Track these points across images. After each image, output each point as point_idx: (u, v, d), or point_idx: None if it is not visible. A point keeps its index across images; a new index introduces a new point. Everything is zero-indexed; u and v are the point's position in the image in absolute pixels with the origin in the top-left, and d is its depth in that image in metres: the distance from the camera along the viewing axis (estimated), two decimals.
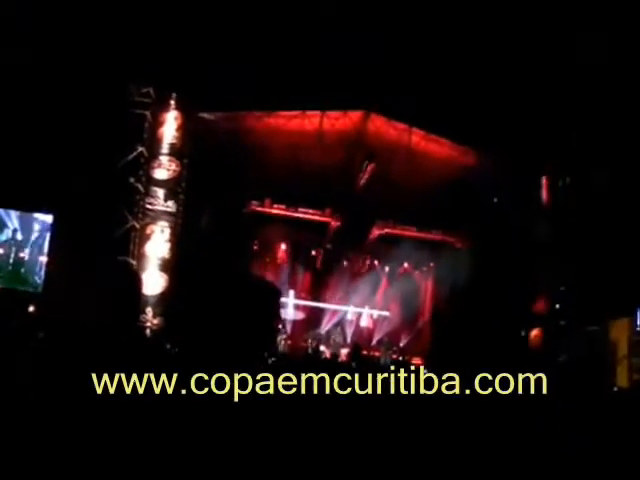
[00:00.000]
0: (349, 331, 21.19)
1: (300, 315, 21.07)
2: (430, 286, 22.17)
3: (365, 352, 19.68)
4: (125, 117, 15.95)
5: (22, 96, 14.40)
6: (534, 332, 19.10)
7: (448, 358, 17.66)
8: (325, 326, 20.97)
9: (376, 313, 21.71)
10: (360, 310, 21.44)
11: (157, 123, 16.77)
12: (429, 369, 17.32)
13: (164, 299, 16.48)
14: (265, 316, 3.18)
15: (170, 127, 16.81)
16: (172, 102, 16.75)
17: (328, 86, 16.34)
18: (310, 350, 19.84)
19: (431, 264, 21.85)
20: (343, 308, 21.31)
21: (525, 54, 16.10)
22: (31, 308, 15.83)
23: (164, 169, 16.79)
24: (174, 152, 16.83)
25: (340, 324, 21.10)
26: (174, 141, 16.81)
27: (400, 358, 20.38)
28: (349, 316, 21.38)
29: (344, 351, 20.05)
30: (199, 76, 15.51)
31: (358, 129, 18.49)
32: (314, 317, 21.16)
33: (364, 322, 21.45)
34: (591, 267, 17.34)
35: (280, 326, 17.90)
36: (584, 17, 14.79)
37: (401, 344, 21.52)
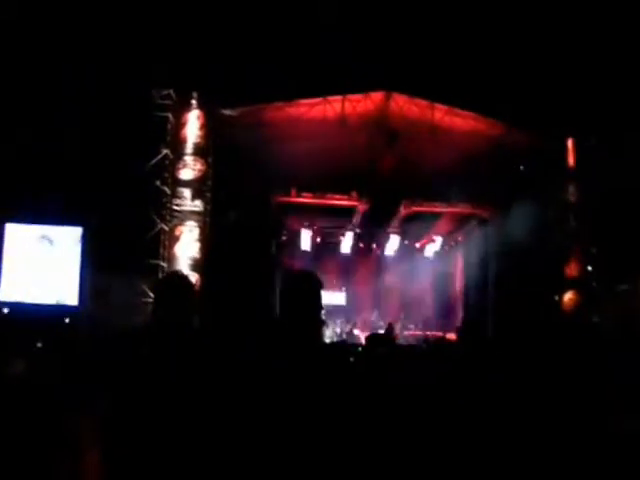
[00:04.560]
0: (383, 312, 21.10)
1: (335, 301, 21.02)
2: (461, 259, 22.05)
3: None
4: (148, 122, 15.70)
5: (47, 109, 14.19)
6: (567, 296, 18.90)
7: (481, 331, 17.57)
8: (360, 309, 20.91)
9: (410, 291, 21.61)
10: (393, 290, 21.32)
11: (179, 124, 16.43)
12: (462, 343, 17.26)
13: (197, 298, 16.27)
14: (310, 308, 3.08)
15: (193, 126, 16.48)
16: (193, 102, 16.39)
17: (348, 69, 16.09)
18: (344, 335, 19.78)
19: (460, 238, 21.70)
20: (375, 289, 21.23)
21: (543, 13, 15.89)
22: (67, 320, 15.77)
23: (189, 169, 16.50)
24: (198, 151, 16.52)
25: (375, 306, 21.04)
26: (198, 140, 16.49)
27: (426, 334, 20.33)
28: (383, 297, 21.29)
29: (380, 332, 19.94)
30: (217, 73, 15.22)
31: (380, 110, 18.11)
32: (349, 301, 21.11)
33: (398, 302, 21.33)
34: (621, 226, 17.26)
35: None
36: None
37: (435, 320, 21.48)
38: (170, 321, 3.46)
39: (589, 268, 19.07)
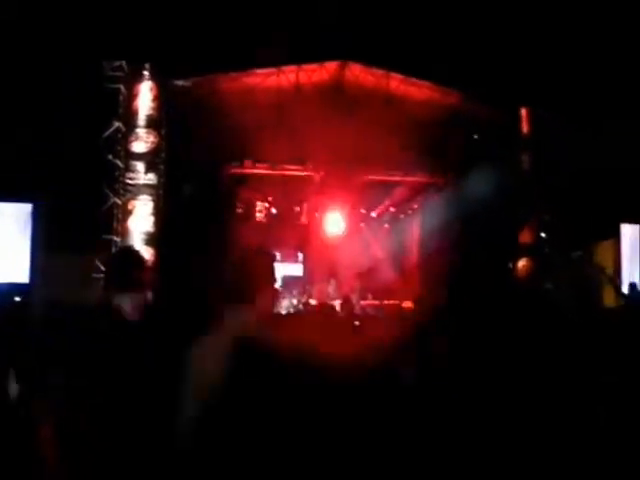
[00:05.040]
0: (340, 282, 21.03)
1: (292, 272, 20.94)
2: (417, 228, 22.10)
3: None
4: (99, 94, 15.30)
5: None
6: (521, 263, 19.09)
7: (437, 298, 17.63)
8: (317, 279, 20.83)
9: (366, 261, 21.60)
10: (350, 259, 21.25)
11: (132, 96, 16.02)
12: (419, 311, 17.36)
13: (152, 273, 16.07)
14: (261, 282, 3.18)
15: (145, 98, 16.08)
16: (145, 73, 15.98)
17: (303, 39, 15.87)
18: (301, 306, 19.69)
19: (416, 206, 21.75)
20: (332, 259, 21.14)
21: None
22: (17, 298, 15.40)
23: (142, 142, 16.14)
24: (151, 123, 16.15)
25: (333, 276, 20.95)
26: (150, 112, 16.11)
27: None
28: (341, 267, 21.21)
29: (337, 303, 19.89)
30: (170, 44, 14.85)
31: (335, 79, 17.98)
32: (307, 272, 21.04)
33: (356, 271, 21.28)
34: (573, 193, 17.45)
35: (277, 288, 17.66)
36: None
37: (392, 289, 21.49)
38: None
39: (543, 235, 19.26)
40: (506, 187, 18.69)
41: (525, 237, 19.06)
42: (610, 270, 17.61)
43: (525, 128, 18.94)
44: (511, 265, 19.23)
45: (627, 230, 18.69)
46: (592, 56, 15.89)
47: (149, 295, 16.12)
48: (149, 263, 15.95)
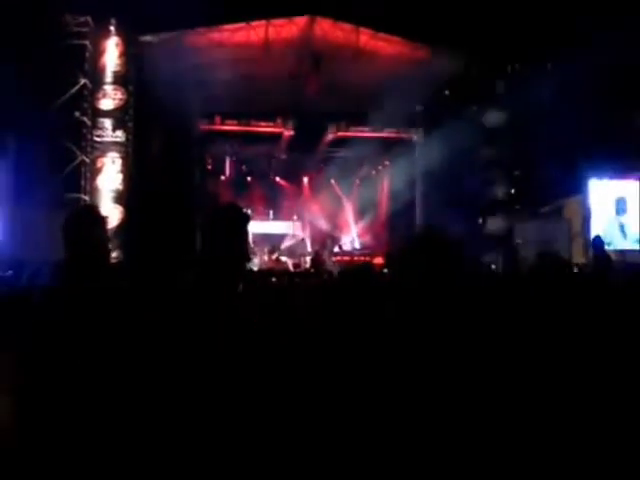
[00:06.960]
0: (311, 239, 21.14)
1: (262, 229, 20.93)
2: (387, 183, 22.11)
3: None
4: (64, 50, 15.00)
5: None
6: (491, 218, 19.22)
7: (406, 253, 17.66)
8: (287, 237, 20.89)
9: (338, 217, 21.66)
10: (321, 216, 21.31)
11: (98, 52, 15.79)
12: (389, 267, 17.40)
13: (121, 231, 16.02)
14: (236, 243, 3.08)
15: (112, 54, 15.86)
16: (111, 28, 15.73)
17: None
18: (271, 263, 19.77)
19: (386, 162, 21.72)
20: (302, 217, 21.18)
21: None
22: None
23: (109, 99, 15.95)
24: (118, 80, 15.96)
25: (303, 233, 21.05)
26: (117, 69, 15.91)
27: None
28: (310, 224, 21.28)
29: (307, 259, 20.02)
30: None
31: (304, 35, 17.75)
32: (277, 229, 21.05)
33: (325, 228, 21.35)
34: (542, 149, 17.49)
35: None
36: None
37: (365, 245, 21.62)
38: (82, 256, 3.34)
39: (512, 191, 19.36)
40: (476, 142, 18.75)
41: (495, 192, 19.14)
42: (578, 225, 17.81)
43: (494, 83, 18.93)
44: (481, 220, 19.34)
45: (596, 186, 18.83)
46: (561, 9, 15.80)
47: (116, 253, 15.99)
48: (116, 221, 15.91)
